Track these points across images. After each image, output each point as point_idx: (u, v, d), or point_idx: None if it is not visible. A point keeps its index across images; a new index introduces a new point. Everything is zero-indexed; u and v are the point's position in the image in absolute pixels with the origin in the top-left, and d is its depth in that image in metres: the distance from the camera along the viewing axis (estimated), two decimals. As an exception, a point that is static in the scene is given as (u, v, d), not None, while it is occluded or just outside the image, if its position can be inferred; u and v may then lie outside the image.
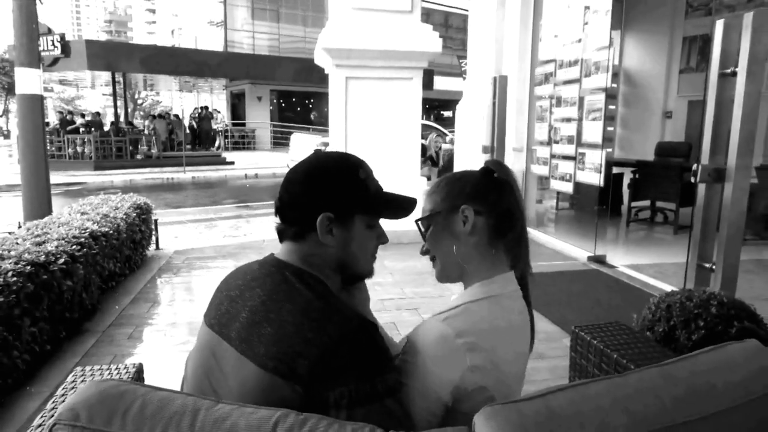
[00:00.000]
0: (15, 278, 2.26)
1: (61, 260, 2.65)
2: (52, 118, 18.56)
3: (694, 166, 2.10)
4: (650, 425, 0.73)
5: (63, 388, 1.10)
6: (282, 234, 0.92)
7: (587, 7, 4.49)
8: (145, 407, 0.67)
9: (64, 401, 1.07)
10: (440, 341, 0.83)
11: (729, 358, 0.87)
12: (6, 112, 37.00)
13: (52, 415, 1.01)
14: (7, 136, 33.66)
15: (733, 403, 0.80)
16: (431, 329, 0.86)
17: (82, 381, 1.12)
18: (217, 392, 0.82)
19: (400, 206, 0.94)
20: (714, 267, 2.18)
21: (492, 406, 0.70)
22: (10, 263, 2.34)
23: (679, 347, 1.51)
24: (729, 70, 2.03)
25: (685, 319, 1.55)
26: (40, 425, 0.97)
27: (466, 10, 7.27)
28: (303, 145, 10.98)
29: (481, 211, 0.92)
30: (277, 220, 0.92)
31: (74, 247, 2.86)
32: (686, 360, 0.86)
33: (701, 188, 2.19)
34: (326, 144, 8.19)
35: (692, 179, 2.13)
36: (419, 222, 0.97)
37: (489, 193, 0.93)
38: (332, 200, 0.88)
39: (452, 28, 26.57)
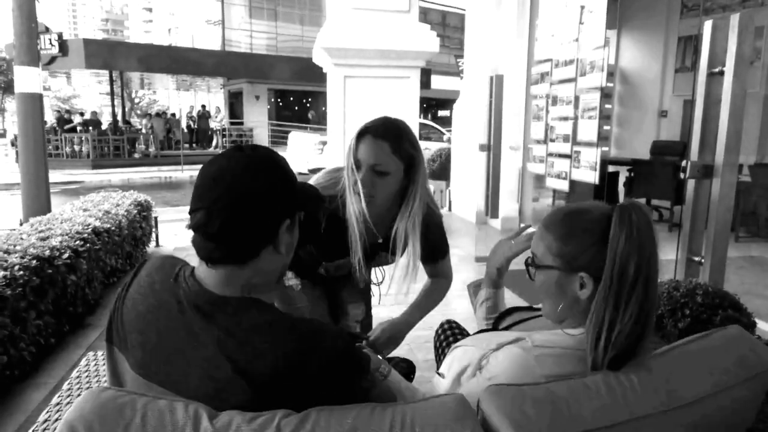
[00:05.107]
0: (21, 272, 2.31)
1: (66, 255, 2.69)
2: (49, 117, 18.54)
3: (683, 163, 2.17)
4: (643, 412, 0.77)
5: (77, 371, 1.16)
6: (221, 260, 0.77)
7: (583, 7, 4.55)
8: (146, 422, 0.65)
9: (78, 384, 1.13)
10: (523, 375, 0.82)
11: (713, 345, 0.91)
12: (2, 111, 36.83)
13: (69, 395, 1.06)
14: (2, 135, 33.49)
15: (717, 389, 0.84)
16: (520, 359, 0.84)
17: (95, 365, 1.18)
18: None
19: (317, 197, 0.89)
20: (702, 261, 2.25)
21: (497, 386, 0.75)
22: (17, 257, 2.39)
23: (667, 334, 1.57)
24: (717, 70, 2.10)
25: (672, 308, 1.61)
26: (57, 404, 1.02)
27: (464, 10, 7.32)
28: (301, 144, 11.02)
29: (600, 278, 0.84)
30: (191, 240, 0.78)
31: (78, 242, 2.90)
32: (674, 349, 0.90)
33: (690, 184, 2.26)
34: (324, 143, 8.23)
35: (681, 175, 2.19)
36: (529, 265, 0.93)
37: (613, 257, 0.82)
38: (289, 204, 0.79)
39: (450, 28, 26.62)
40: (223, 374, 0.72)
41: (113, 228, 3.52)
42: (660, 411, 0.79)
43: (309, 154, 9.87)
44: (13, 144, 20.86)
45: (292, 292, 1.39)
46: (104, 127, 16.20)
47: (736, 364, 0.89)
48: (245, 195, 0.74)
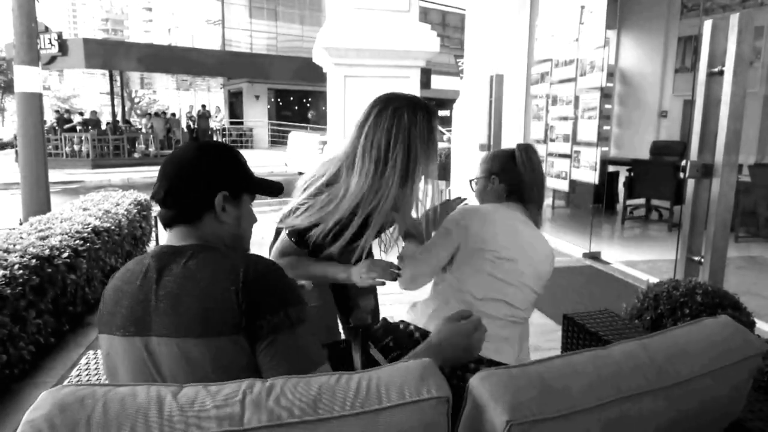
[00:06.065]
0: (21, 271, 2.31)
1: (65, 254, 2.70)
2: (48, 117, 18.53)
3: (683, 162, 2.17)
4: (631, 391, 0.79)
5: (77, 370, 1.16)
6: (172, 220, 0.95)
7: (583, 7, 4.56)
8: (108, 409, 0.64)
9: (79, 383, 1.13)
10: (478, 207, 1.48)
11: (703, 331, 0.94)
12: (2, 110, 36.84)
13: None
14: (1, 134, 33.45)
15: (706, 370, 0.86)
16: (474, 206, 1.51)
17: (95, 364, 1.18)
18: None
19: (273, 187, 1.05)
20: (702, 260, 2.25)
21: (488, 370, 0.76)
22: (16, 256, 2.39)
23: (666, 334, 1.57)
24: (716, 69, 2.10)
25: (671, 308, 1.62)
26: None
27: (464, 10, 7.32)
28: (301, 143, 11.01)
29: (502, 179, 1.50)
30: (158, 208, 0.96)
31: (77, 241, 2.91)
32: (665, 333, 0.92)
33: (690, 184, 2.26)
34: (324, 143, 8.24)
35: (681, 175, 2.19)
36: (472, 181, 1.60)
37: (508, 168, 1.49)
38: (226, 179, 0.95)
39: (450, 27, 26.61)
40: (185, 308, 0.83)
41: (113, 227, 3.52)
42: (649, 390, 0.80)
43: (309, 154, 9.87)
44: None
45: (303, 292, 1.41)
46: (104, 126, 16.20)
47: (725, 348, 0.90)
48: (183, 167, 0.94)
